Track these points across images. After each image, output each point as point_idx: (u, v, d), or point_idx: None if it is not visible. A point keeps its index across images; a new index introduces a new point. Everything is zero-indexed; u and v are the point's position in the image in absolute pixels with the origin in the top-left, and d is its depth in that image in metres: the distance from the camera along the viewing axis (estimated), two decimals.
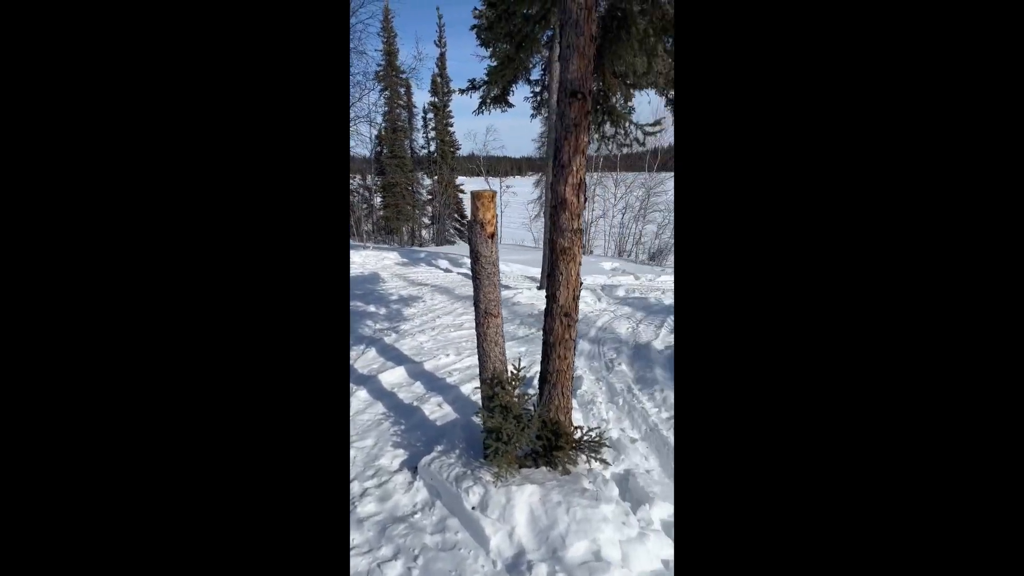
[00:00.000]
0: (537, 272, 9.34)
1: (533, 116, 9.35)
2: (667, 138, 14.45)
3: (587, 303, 7.42)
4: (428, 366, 4.71)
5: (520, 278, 9.33)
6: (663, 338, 5.76)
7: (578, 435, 2.87)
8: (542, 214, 12.59)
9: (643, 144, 3.94)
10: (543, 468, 2.78)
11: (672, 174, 15.64)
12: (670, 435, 3.52)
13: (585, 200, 3.15)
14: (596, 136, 3.96)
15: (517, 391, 2.80)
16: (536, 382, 3.63)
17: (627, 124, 3.85)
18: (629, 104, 4.35)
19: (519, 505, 2.46)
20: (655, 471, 3.11)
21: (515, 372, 2.83)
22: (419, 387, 4.27)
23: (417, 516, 2.64)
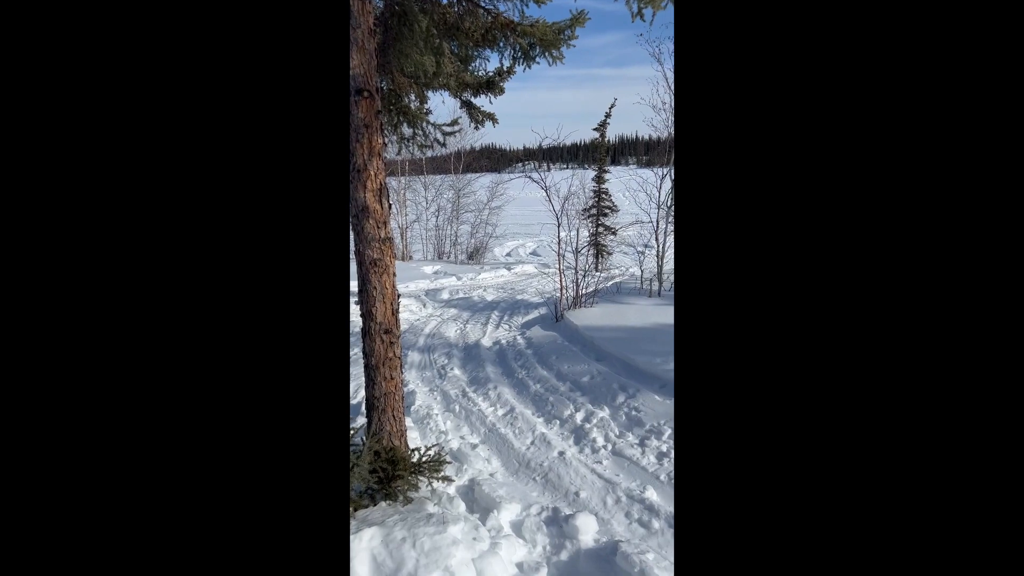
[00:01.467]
0: (354, 286, 8.74)
1: None
2: (467, 140, 14.93)
3: (412, 311, 7.21)
4: None
5: None
6: (490, 334, 5.88)
7: (416, 457, 2.67)
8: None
9: (443, 144, 3.89)
10: (382, 504, 2.52)
11: (478, 175, 16.25)
12: (508, 432, 3.56)
13: (391, 206, 2.94)
14: (394, 138, 3.77)
15: None
16: (364, 409, 3.31)
17: (425, 125, 3.75)
18: (425, 106, 4.26)
19: (359, 555, 2.17)
20: (498, 472, 3.09)
21: None
22: None
23: None
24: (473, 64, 3.85)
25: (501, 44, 3.33)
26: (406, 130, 3.79)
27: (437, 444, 3.11)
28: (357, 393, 4.07)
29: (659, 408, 3.54)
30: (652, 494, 2.73)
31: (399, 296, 2.80)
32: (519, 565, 2.27)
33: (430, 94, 4.27)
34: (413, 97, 4.13)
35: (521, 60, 3.39)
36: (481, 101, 4.20)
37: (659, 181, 7.87)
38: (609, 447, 3.24)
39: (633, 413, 3.54)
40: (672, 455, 3.04)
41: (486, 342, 5.57)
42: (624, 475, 2.95)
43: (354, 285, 2.79)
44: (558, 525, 2.49)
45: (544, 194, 6.84)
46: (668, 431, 3.26)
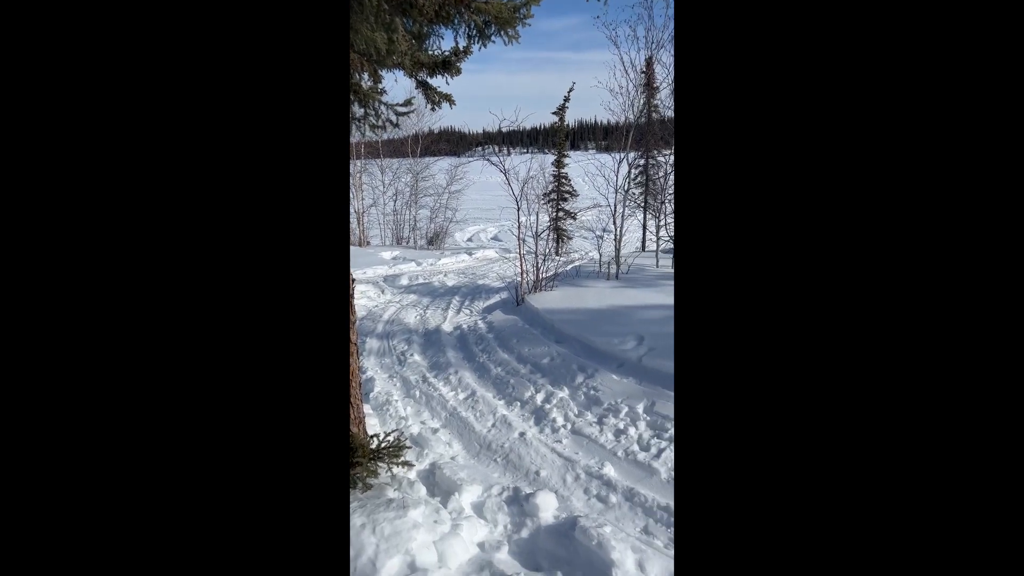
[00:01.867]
0: None
1: None
2: (425, 122, 14.59)
3: (370, 297, 7.06)
4: None
5: None
6: (451, 319, 5.85)
7: (375, 444, 2.64)
8: None
9: (397, 125, 3.77)
10: None
11: (437, 158, 15.96)
12: (469, 415, 3.57)
13: None
14: None
15: None
16: None
17: (377, 104, 3.62)
18: (379, 85, 4.12)
19: None
20: (459, 455, 3.10)
21: None
22: None
23: None
24: (428, 42, 3.74)
25: (456, 21, 3.25)
26: (357, 110, 3.65)
27: (397, 430, 3.08)
28: None
29: (616, 387, 3.63)
30: (610, 470, 2.81)
31: (354, 281, 2.73)
32: (480, 544, 2.30)
33: (384, 73, 4.13)
34: (366, 76, 3.98)
35: (476, 38, 3.31)
36: (438, 82, 4.09)
37: (616, 166, 7.96)
38: (568, 426, 3.30)
39: (592, 392, 3.62)
40: (629, 432, 3.14)
41: (447, 327, 5.53)
42: (583, 453, 3.02)
43: None
44: (519, 504, 2.53)
45: (504, 178, 6.80)
46: (625, 409, 3.35)
